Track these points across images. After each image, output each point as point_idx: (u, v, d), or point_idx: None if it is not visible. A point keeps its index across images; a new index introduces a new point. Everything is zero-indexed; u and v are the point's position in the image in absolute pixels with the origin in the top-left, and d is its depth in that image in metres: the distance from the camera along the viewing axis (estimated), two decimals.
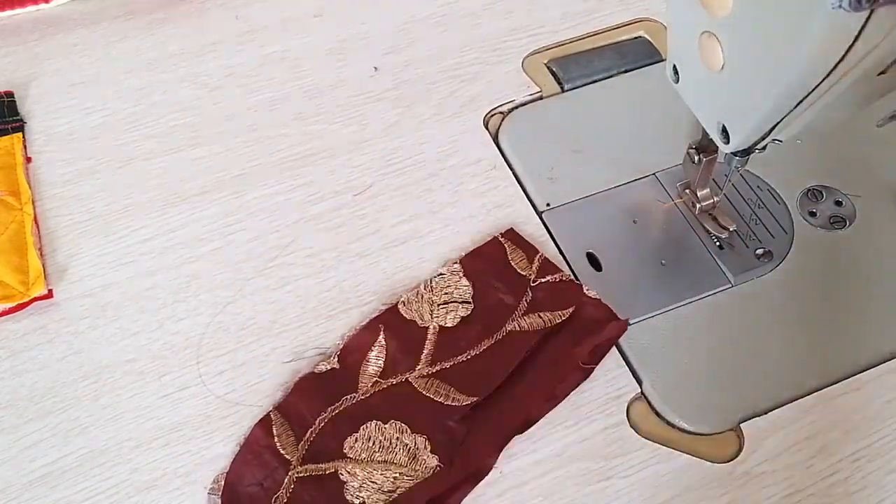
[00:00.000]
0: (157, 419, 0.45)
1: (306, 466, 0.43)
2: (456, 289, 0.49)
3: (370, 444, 0.44)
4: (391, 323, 0.48)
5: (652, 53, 0.63)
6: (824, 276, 0.50)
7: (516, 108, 0.60)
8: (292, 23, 0.65)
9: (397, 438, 0.44)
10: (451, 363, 0.46)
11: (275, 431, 0.44)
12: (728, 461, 0.44)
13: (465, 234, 0.52)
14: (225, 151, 0.57)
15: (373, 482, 0.42)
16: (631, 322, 0.48)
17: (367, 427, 0.44)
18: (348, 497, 0.42)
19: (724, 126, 0.41)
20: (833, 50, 0.33)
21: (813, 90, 0.35)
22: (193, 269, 0.51)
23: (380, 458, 0.43)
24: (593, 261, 0.51)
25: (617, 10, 0.65)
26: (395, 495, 0.42)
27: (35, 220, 0.53)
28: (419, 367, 0.46)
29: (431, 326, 0.48)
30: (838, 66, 0.34)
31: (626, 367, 0.47)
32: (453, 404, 0.45)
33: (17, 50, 0.63)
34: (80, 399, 0.46)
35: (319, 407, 0.45)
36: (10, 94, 0.59)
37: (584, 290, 0.48)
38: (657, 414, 0.46)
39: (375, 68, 0.62)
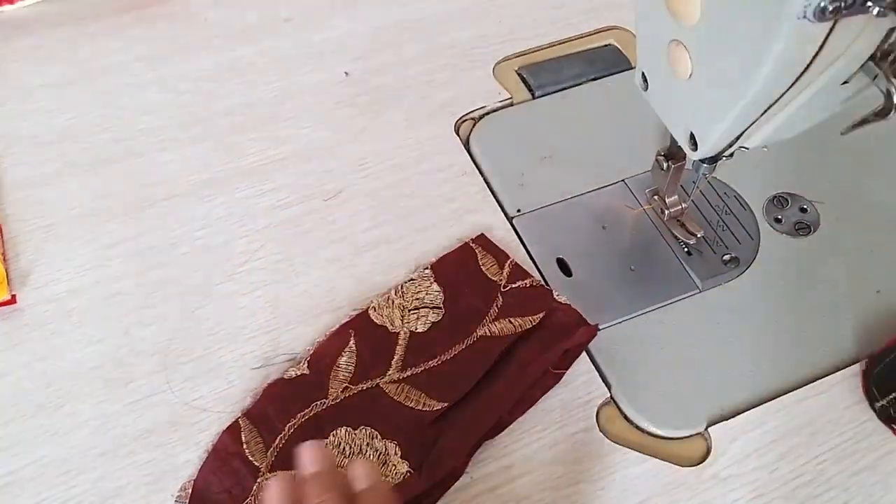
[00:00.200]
0: (122, 426, 0.45)
1: (275, 473, 0.43)
2: (427, 294, 0.49)
3: (340, 450, 0.43)
4: (362, 328, 0.48)
5: (621, 61, 0.63)
6: (789, 281, 0.51)
7: (487, 114, 0.60)
8: (263, 27, 0.65)
9: (368, 444, 0.44)
10: (422, 368, 0.46)
11: (243, 438, 0.44)
12: (696, 465, 0.44)
13: (435, 239, 0.52)
14: (193, 156, 0.56)
15: None
16: (600, 327, 0.49)
17: (336, 433, 0.44)
18: None
19: (692, 133, 0.41)
20: (798, 59, 0.33)
21: (779, 99, 0.36)
22: (161, 275, 0.51)
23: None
24: (563, 266, 0.52)
25: (587, 19, 0.66)
26: None
27: None
28: (390, 372, 0.46)
29: (402, 332, 0.48)
30: (803, 75, 0.34)
31: (596, 371, 0.48)
32: (424, 409, 0.44)
33: None
34: (43, 406, 0.45)
35: (289, 413, 0.45)
36: None
37: (555, 296, 0.49)
38: (626, 418, 0.46)
39: (346, 73, 0.62)
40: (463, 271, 0.50)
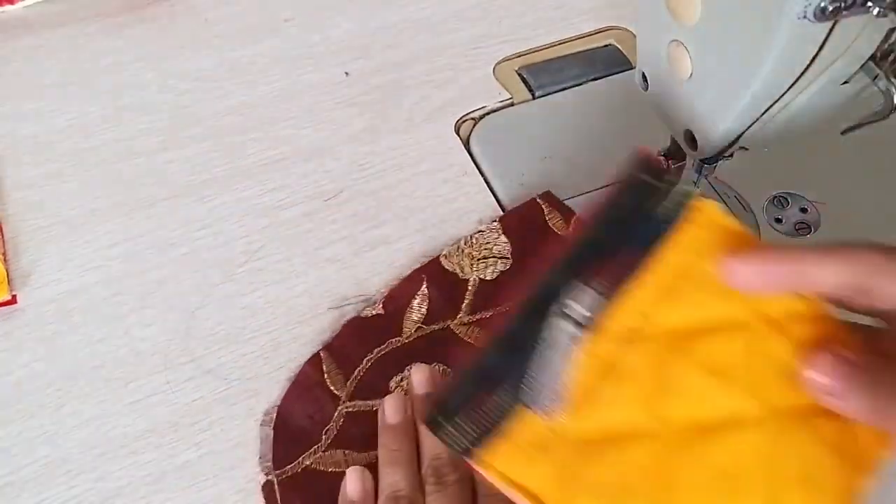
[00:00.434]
0: (123, 427, 0.45)
1: (355, 402, 0.45)
2: (495, 245, 0.51)
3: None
4: (433, 274, 0.50)
5: (621, 61, 0.63)
6: None
7: (487, 114, 0.60)
8: (263, 27, 0.65)
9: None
10: (491, 313, 0.48)
11: (324, 368, 0.46)
12: None
13: (435, 239, 0.52)
14: (194, 155, 0.56)
15: None
16: None
17: (410, 368, 0.45)
18: None
19: (691, 133, 0.41)
20: (798, 59, 0.33)
21: (779, 98, 0.36)
22: (161, 275, 0.51)
23: None
24: None
25: (587, 19, 0.66)
26: None
27: None
28: (460, 315, 0.48)
29: (472, 279, 0.50)
30: (803, 75, 0.34)
31: None
32: None
33: None
34: (44, 406, 0.45)
35: (365, 348, 0.47)
36: None
37: None
38: None
39: (346, 73, 0.62)
40: (530, 225, 0.52)
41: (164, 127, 0.58)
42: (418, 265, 0.51)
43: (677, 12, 0.36)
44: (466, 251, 0.51)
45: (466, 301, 0.49)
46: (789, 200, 0.55)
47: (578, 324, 0.32)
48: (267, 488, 0.42)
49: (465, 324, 0.48)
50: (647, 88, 0.44)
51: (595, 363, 0.32)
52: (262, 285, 0.50)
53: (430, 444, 0.41)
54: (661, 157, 0.50)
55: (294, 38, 0.64)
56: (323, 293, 0.50)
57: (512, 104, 0.61)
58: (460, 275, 0.50)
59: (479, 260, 0.51)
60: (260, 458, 0.43)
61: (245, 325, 0.49)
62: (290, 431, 0.44)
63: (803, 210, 0.55)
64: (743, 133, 0.39)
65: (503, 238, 0.51)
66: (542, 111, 0.60)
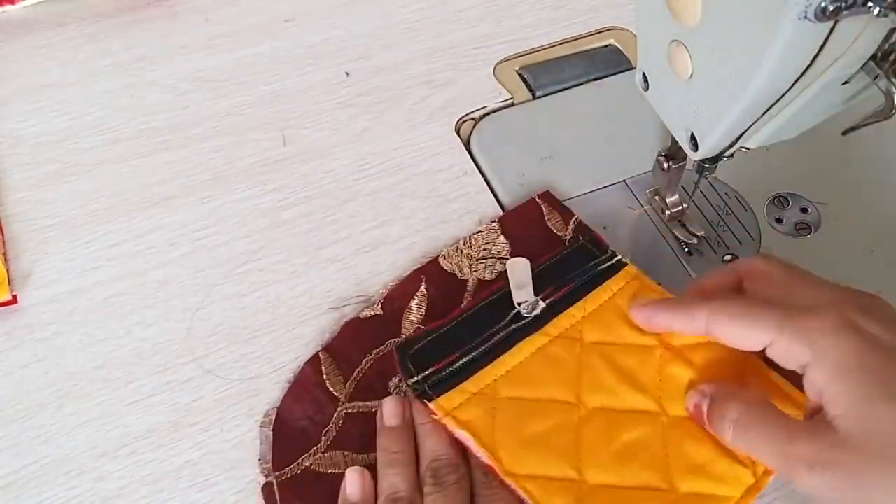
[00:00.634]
0: (123, 427, 0.45)
1: (354, 403, 0.45)
2: (494, 245, 0.51)
3: None
4: (432, 274, 0.50)
5: (622, 62, 0.63)
6: None
7: (488, 114, 0.60)
8: (263, 27, 0.65)
9: None
10: None
11: (323, 370, 0.46)
12: None
13: (436, 239, 0.52)
14: (194, 156, 0.56)
15: None
16: None
17: None
18: None
19: (692, 134, 0.41)
20: (799, 59, 0.33)
21: (779, 99, 0.36)
22: (162, 275, 0.51)
23: None
24: None
25: (587, 19, 0.66)
26: None
27: None
28: None
29: (471, 279, 0.50)
30: (804, 76, 0.34)
31: None
32: None
33: None
34: (44, 406, 0.45)
35: (365, 349, 0.47)
36: None
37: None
38: None
39: (347, 73, 0.62)
40: (529, 225, 0.52)
41: (164, 127, 0.58)
42: (418, 265, 0.50)
43: (677, 12, 0.36)
44: (465, 252, 0.51)
45: (466, 301, 0.49)
46: (789, 200, 0.55)
47: (526, 319, 0.45)
48: (266, 490, 0.42)
49: None
50: (647, 88, 0.44)
51: (533, 349, 0.43)
52: (263, 285, 0.50)
53: (430, 445, 0.41)
54: (662, 157, 0.50)
55: (294, 39, 0.64)
56: (323, 293, 0.50)
57: (512, 104, 0.61)
58: (459, 275, 0.50)
59: (477, 260, 0.50)
60: (259, 459, 0.43)
61: (245, 325, 0.49)
62: (289, 433, 0.44)
63: (804, 210, 0.54)
64: (743, 133, 0.39)
65: (502, 238, 0.51)
66: (542, 111, 0.60)
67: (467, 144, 0.58)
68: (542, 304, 0.45)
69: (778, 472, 0.38)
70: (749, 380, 0.43)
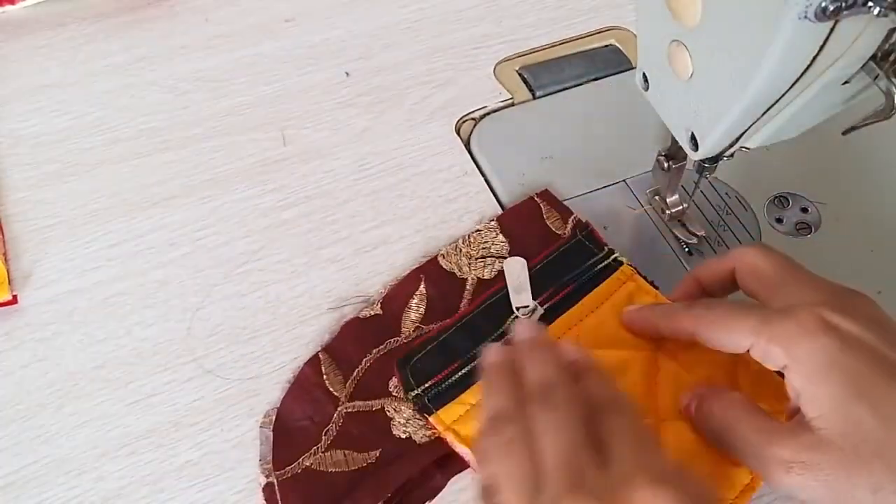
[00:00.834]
0: (124, 427, 0.45)
1: (354, 403, 0.45)
2: (493, 244, 0.51)
3: None
4: (431, 273, 0.50)
5: (622, 61, 0.63)
6: None
7: (488, 114, 0.60)
8: (263, 27, 0.65)
9: None
10: None
11: (323, 370, 0.46)
12: None
13: (436, 239, 0.52)
14: (194, 156, 0.56)
15: (418, 419, 0.44)
16: None
17: None
18: (395, 431, 0.44)
19: (692, 134, 0.41)
20: (799, 59, 0.33)
21: (779, 99, 0.36)
22: (162, 275, 0.51)
23: None
24: None
25: (588, 19, 0.66)
26: None
27: None
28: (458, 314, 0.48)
29: (470, 278, 0.50)
30: (804, 75, 0.34)
31: None
32: None
33: None
34: (45, 406, 0.45)
35: (364, 349, 0.47)
36: None
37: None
38: None
39: (347, 74, 0.62)
40: (528, 224, 0.52)
41: (164, 127, 0.58)
42: (418, 265, 0.51)
43: (677, 12, 0.36)
44: (464, 250, 0.51)
45: (465, 300, 0.49)
46: (790, 200, 0.55)
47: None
48: (268, 490, 0.42)
49: None
50: (647, 88, 0.44)
51: None
52: (263, 285, 0.50)
53: (535, 368, 0.37)
54: (663, 157, 0.50)
55: (294, 39, 0.64)
56: (323, 293, 0.50)
57: (512, 104, 0.61)
58: (458, 274, 0.50)
59: (476, 259, 0.51)
60: (260, 460, 0.43)
61: (245, 325, 0.49)
62: (289, 433, 0.44)
63: (804, 210, 0.54)
64: (743, 133, 0.39)
65: (501, 237, 0.51)
66: (542, 111, 0.60)
67: (467, 144, 0.58)
68: (540, 310, 0.46)
69: (757, 472, 0.38)
70: (741, 381, 0.43)
